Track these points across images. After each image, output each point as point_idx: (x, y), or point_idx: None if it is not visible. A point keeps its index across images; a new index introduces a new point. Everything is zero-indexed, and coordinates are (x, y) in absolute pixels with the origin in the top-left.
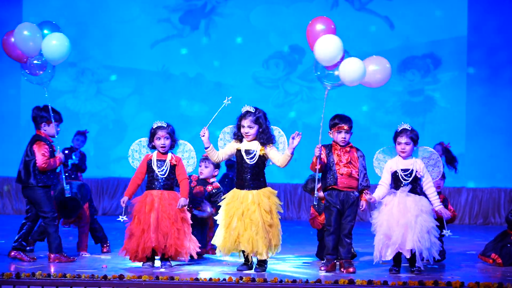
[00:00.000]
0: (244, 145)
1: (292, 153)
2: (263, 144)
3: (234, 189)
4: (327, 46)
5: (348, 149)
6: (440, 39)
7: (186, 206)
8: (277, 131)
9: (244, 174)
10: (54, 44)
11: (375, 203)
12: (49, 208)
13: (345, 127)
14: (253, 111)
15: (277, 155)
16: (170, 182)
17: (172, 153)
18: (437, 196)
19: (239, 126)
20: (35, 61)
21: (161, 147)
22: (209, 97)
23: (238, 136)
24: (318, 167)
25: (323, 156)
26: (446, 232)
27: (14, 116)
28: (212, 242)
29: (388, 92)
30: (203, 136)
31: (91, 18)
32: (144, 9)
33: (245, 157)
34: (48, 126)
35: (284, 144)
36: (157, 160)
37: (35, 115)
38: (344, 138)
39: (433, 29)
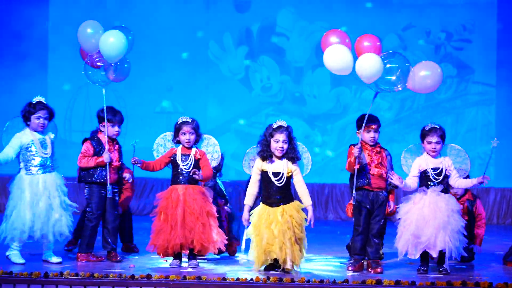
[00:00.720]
0: (271, 167)
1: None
2: (292, 159)
3: (262, 204)
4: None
5: (378, 149)
6: (469, 38)
7: (198, 177)
8: (301, 147)
9: (273, 194)
10: (111, 41)
11: (402, 186)
12: (93, 207)
13: (374, 126)
14: (286, 126)
15: (300, 181)
16: None
17: (196, 147)
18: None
19: (268, 143)
20: (98, 63)
21: (186, 142)
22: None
23: (267, 153)
24: (357, 167)
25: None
26: (494, 142)
27: None
28: (248, 258)
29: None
30: (247, 219)
31: (119, 18)
32: (173, 10)
33: (273, 179)
34: (104, 126)
35: (308, 160)
36: (181, 154)
37: (96, 116)
38: (373, 137)
39: (461, 26)
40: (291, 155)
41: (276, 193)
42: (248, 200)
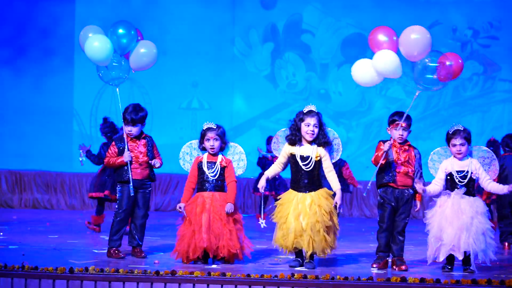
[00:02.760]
0: (299, 150)
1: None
2: (321, 145)
3: (290, 190)
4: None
5: (406, 147)
6: (496, 35)
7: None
8: (331, 133)
9: (301, 179)
10: (96, 45)
11: (424, 194)
12: (119, 206)
13: (403, 124)
14: (316, 111)
15: (329, 166)
16: (221, 184)
17: (222, 155)
18: (499, 184)
19: (298, 127)
20: (113, 63)
21: (211, 148)
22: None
23: (296, 137)
24: (382, 162)
25: None
26: None
27: (67, 112)
28: (272, 242)
29: (447, 86)
30: (263, 186)
31: (145, 15)
32: (200, 7)
33: (300, 163)
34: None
35: (338, 146)
36: (207, 162)
37: None
38: (402, 135)
39: (488, 24)
40: (322, 140)
41: (304, 177)
42: (269, 171)
